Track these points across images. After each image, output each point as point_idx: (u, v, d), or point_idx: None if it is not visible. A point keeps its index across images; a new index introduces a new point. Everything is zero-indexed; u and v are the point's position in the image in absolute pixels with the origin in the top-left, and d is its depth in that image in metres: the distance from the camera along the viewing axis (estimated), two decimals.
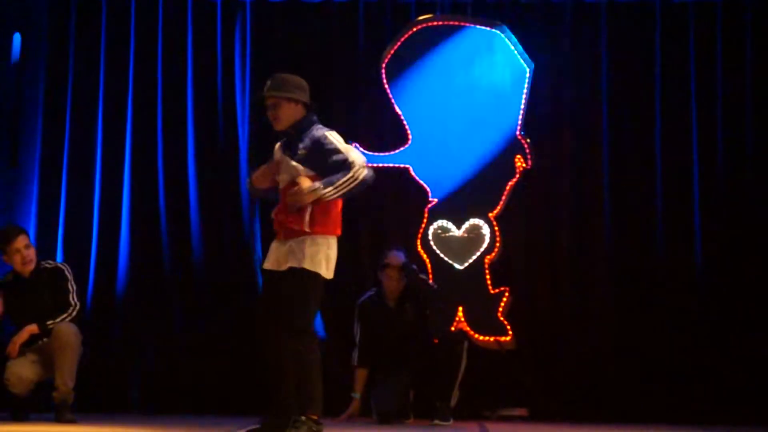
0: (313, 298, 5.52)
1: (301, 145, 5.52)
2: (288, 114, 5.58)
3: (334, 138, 5.49)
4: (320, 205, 5.44)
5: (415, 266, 7.61)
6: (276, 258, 5.56)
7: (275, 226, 5.61)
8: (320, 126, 5.59)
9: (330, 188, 5.35)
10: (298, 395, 5.47)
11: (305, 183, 5.40)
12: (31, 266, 7.10)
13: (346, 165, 5.37)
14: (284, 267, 5.50)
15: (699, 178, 8.08)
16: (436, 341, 7.42)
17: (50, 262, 7.27)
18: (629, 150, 8.19)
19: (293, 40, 8.28)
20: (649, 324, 7.97)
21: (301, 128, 5.57)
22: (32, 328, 6.95)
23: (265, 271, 5.63)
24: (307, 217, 5.45)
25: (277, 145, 5.72)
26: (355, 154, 5.44)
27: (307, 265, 5.45)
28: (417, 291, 7.49)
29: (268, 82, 5.60)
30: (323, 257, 5.49)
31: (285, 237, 5.53)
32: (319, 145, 5.47)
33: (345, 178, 5.35)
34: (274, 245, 5.60)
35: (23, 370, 6.94)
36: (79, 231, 8.20)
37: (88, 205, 8.23)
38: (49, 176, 8.24)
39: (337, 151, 5.42)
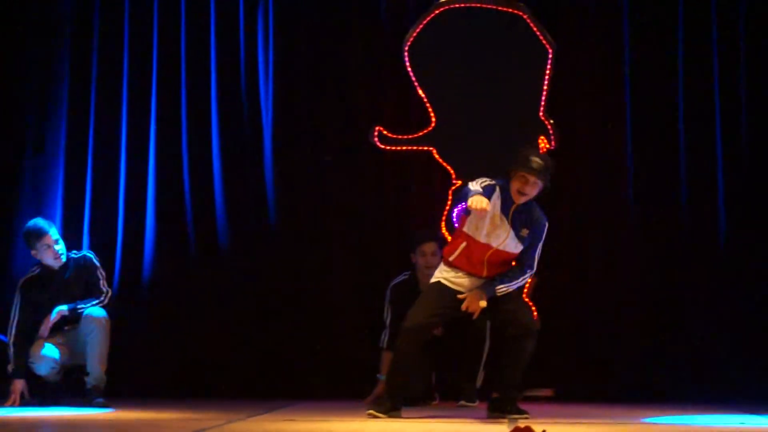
0: None
1: (526, 225, 6.11)
2: None
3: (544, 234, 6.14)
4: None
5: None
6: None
7: (484, 271, 6.19)
8: (533, 203, 6.17)
9: (503, 287, 6.18)
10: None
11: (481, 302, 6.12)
12: (62, 260, 7.13)
13: (528, 267, 6.18)
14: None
15: (723, 153, 8.02)
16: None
17: (75, 251, 7.28)
18: (652, 128, 8.15)
19: (316, 24, 8.30)
20: (677, 302, 7.96)
21: (529, 204, 6.13)
22: (62, 310, 6.98)
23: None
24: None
25: (496, 198, 6.13)
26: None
27: None
28: None
29: (538, 161, 6.00)
30: None
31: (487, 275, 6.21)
32: (536, 236, 6.14)
33: (520, 279, 6.21)
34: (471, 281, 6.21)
35: (48, 350, 6.95)
36: (105, 216, 8.25)
37: (114, 190, 8.28)
38: (74, 161, 8.29)
39: (537, 253, 6.16)
